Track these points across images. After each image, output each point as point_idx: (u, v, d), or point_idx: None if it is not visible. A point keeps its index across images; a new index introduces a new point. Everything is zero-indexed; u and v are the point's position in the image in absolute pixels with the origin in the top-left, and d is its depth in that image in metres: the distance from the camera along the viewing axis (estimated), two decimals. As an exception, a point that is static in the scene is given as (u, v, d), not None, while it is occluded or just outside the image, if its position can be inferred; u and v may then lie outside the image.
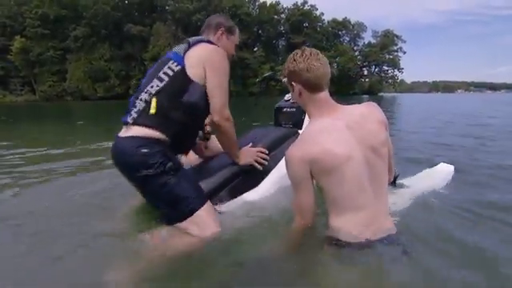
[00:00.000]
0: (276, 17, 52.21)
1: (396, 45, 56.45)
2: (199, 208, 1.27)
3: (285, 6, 52.93)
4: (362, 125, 1.04)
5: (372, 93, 53.77)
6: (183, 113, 1.33)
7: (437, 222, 1.42)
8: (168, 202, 1.28)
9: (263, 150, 1.58)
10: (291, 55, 1.11)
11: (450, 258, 1.15)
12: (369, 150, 1.03)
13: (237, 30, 1.62)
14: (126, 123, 1.34)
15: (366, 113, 1.08)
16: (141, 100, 1.34)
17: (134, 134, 1.29)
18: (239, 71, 39.56)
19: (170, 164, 1.26)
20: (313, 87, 1.07)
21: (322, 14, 54.65)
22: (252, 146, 1.60)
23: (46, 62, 39.35)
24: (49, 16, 38.52)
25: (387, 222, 1.09)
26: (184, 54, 1.36)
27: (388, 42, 55.66)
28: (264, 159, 1.55)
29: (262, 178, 1.58)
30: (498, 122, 6.85)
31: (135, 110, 1.33)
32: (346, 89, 50.86)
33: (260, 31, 51.65)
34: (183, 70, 1.33)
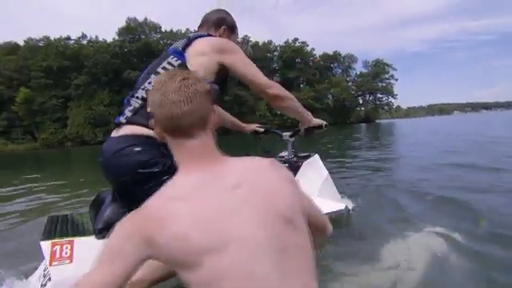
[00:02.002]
0: (269, 55, 54.61)
1: (387, 73, 58.39)
2: None
3: (277, 43, 55.63)
4: (262, 184, 0.70)
5: (369, 120, 54.40)
6: None
7: None
8: None
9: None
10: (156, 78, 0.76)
11: None
12: (276, 221, 0.66)
13: (237, 28, 1.51)
14: (119, 123, 1.21)
15: (264, 167, 0.74)
16: (137, 98, 1.23)
17: (129, 133, 1.17)
18: (236, 108, 40.39)
19: (169, 163, 1.11)
20: (170, 129, 0.72)
21: (313, 49, 57.21)
22: None
23: (48, 111, 40.43)
24: (52, 67, 40.38)
25: None
26: (184, 48, 1.27)
27: (379, 70, 57.62)
28: None
29: None
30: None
31: (130, 108, 1.22)
32: (342, 119, 51.58)
33: (255, 69, 53.76)
34: (184, 64, 1.23)
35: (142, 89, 1.25)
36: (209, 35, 1.34)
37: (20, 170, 10.01)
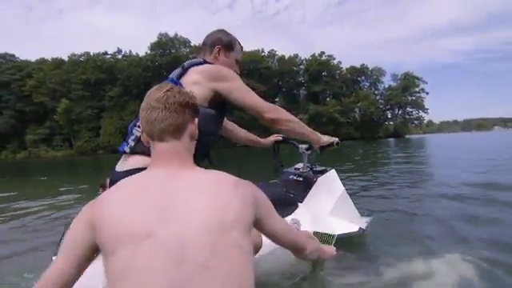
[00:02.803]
0: (295, 68, 54.91)
1: (417, 86, 56.20)
2: None
3: (303, 57, 55.84)
4: (210, 196, 0.70)
5: (398, 135, 52.28)
6: None
7: None
8: None
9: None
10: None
11: None
12: (204, 233, 0.64)
13: (237, 44, 1.46)
14: (124, 153, 1.23)
15: (224, 183, 0.76)
16: (139, 127, 1.22)
17: (133, 167, 1.16)
18: (261, 121, 40.71)
19: None
20: (148, 133, 0.81)
21: (340, 62, 56.72)
22: None
23: (84, 120, 43.38)
24: (90, 80, 43.47)
25: None
26: (179, 77, 1.28)
27: (409, 83, 55.62)
28: None
29: None
30: None
31: (132, 137, 1.22)
32: (370, 133, 50.14)
33: (280, 82, 54.16)
34: None
35: None
36: (204, 62, 1.34)
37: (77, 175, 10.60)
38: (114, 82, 44.30)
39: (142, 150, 1.16)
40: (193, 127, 0.84)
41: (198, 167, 0.82)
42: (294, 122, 1.39)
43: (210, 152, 1.37)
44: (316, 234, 1.56)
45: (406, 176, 4.90)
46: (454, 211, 2.44)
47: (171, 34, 47.71)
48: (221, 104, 1.32)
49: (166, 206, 0.67)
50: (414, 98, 56.26)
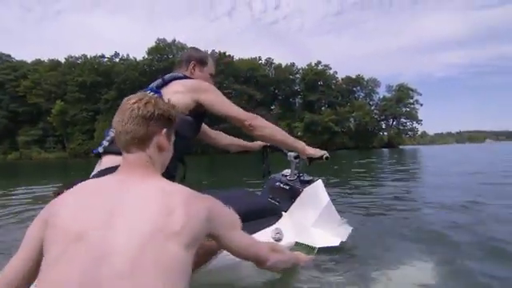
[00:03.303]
0: (291, 77, 55.35)
1: (411, 97, 57.02)
2: None
3: (299, 66, 56.43)
4: (157, 204, 0.71)
5: (392, 146, 52.78)
6: None
7: None
8: None
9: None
10: None
11: None
12: (141, 241, 0.65)
13: (209, 60, 1.57)
14: (98, 154, 1.23)
15: (177, 194, 0.76)
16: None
17: (106, 166, 1.16)
18: (242, 129, 40.78)
19: None
20: (116, 142, 0.85)
21: (336, 72, 57.39)
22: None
23: (78, 122, 43.09)
24: (86, 83, 43.30)
25: None
26: (159, 88, 1.32)
27: (403, 95, 56.40)
28: None
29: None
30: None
31: (107, 138, 1.23)
32: (364, 143, 50.49)
33: (276, 90, 54.51)
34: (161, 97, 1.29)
35: None
36: (185, 77, 1.42)
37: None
38: (110, 85, 44.14)
39: (115, 150, 1.16)
40: (160, 138, 0.84)
41: (163, 178, 0.83)
42: (272, 129, 1.44)
43: (184, 157, 1.40)
44: (298, 244, 1.57)
45: (396, 185, 4.96)
46: (442, 221, 2.47)
47: (169, 39, 47.96)
48: (200, 114, 1.39)
49: (111, 212, 0.69)
50: (408, 109, 57.03)
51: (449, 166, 9.47)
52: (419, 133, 64.29)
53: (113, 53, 48.63)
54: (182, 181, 1.37)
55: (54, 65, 47.38)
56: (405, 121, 58.59)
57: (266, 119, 1.47)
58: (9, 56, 48.66)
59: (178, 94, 1.29)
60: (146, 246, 0.64)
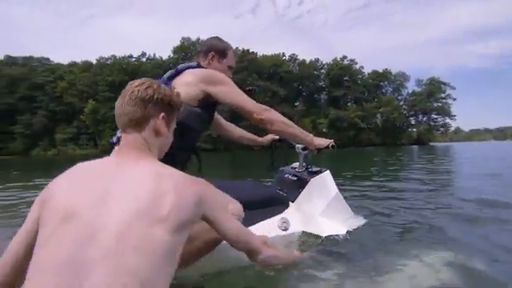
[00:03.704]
0: (316, 72, 54.46)
1: (444, 92, 53.99)
2: None
3: (324, 61, 55.33)
4: (150, 187, 0.71)
5: (422, 143, 50.26)
6: None
7: None
8: None
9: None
10: None
11: None
12: (131, 222, 0.65)
13: (230, 52, 1.52)
14: (113, 143, 1.27)
15: (169, 177, 0.76)
16: None
17: None
18: (252, 122, 40.66)
19: None
20: (116, 123, 0.88)
21: (362, 67, 55.69)
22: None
23: (108, 120, 45.24)
24: (115, 82, 45.43)
25: None
26: (171, 78, 1.33)
27: (434, 89, 53.61)
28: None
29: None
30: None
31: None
32: (392, 139, 48.68)
33: (300, 87, 53.87)
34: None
35: None
36: (198, 65, 1.40)
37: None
38: (138, 84, 46.05)
39: None
40: (158, 122, 0.85)
41: (157, 161, 0.83)
42: (283, 123, 1.40)
43: (198, 149, 1.40)
44: (305, 233, 1.55)
45: (419, 183, 4.71)
46: (459, 222, 2.30)
47: (193, 38, 48.93)
48: (210, 105, 1.37)
49: (105, 193, 0.70)
50: (439, 104, 54.15)
51: (484, 163, 8.86)
52: (452, 129, 60.70)
53: (140, 53, 50.60)
54: (198, 173, 1.36)
55: (87, 66, 50.11)
56: (436, 116, 55.74)
57: (288, 117, 1.44)
58: (47, 59, 52.24)
59: (187, 85, 1.28)
60: (133, 224, 0.65)
